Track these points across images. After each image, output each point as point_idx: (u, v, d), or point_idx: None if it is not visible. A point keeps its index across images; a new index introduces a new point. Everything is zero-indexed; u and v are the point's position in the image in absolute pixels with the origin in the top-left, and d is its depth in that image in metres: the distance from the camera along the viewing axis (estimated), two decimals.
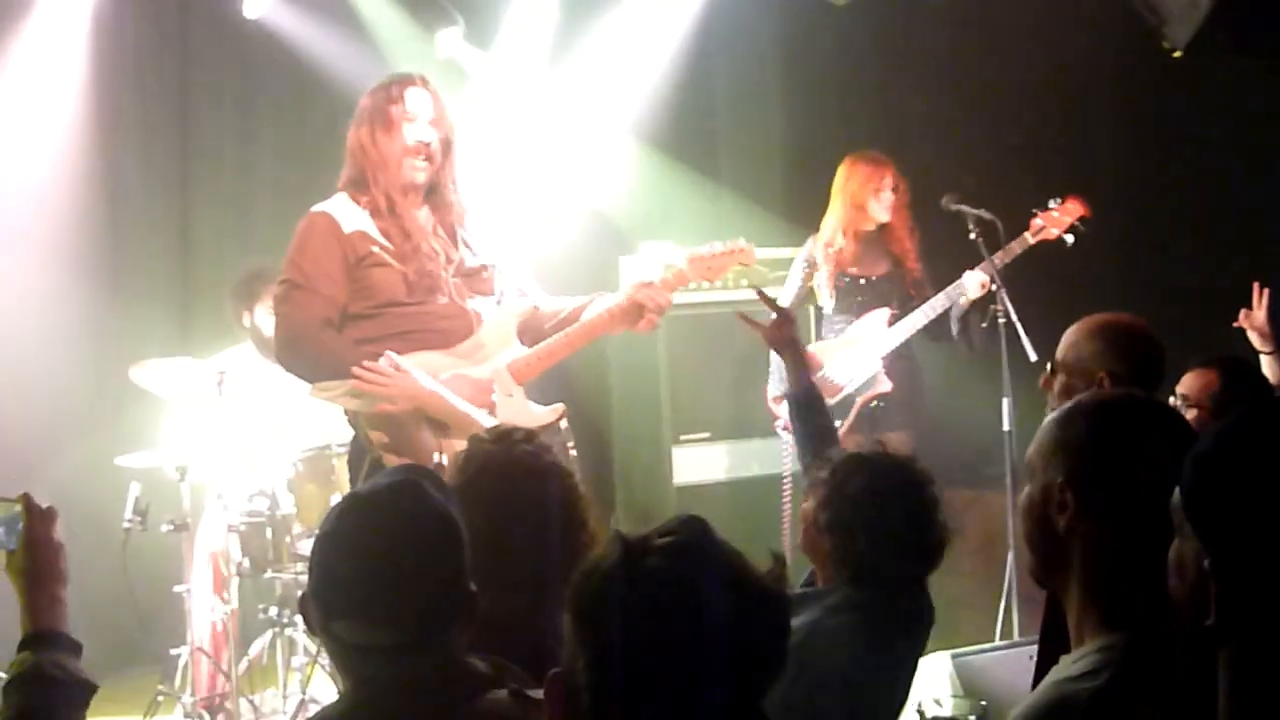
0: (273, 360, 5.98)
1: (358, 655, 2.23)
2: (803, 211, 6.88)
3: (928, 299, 5.99)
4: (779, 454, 6.34)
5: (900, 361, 6.04)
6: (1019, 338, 5.57)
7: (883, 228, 6.07)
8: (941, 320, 5.94)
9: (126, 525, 5.46)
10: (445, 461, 4.04)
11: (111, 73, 6.64)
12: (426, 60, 6.92)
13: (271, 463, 5.62)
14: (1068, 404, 2.21)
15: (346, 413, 4.26)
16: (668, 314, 6.57)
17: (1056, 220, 5.82)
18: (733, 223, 7.12)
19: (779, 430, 6.16)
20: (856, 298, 6.06)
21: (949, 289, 5.88)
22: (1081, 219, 5.80)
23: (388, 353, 4.08)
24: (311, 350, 4.13)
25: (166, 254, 6.98)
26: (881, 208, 6.02)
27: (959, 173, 6.42)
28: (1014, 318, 5.64)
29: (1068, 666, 2.08)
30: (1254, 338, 4.90)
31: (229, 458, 5.60)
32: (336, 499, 5.30)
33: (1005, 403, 5.60)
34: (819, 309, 6.19)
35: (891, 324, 6.01)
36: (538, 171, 7.21)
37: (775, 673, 1.82)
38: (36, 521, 2.42)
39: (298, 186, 7.14)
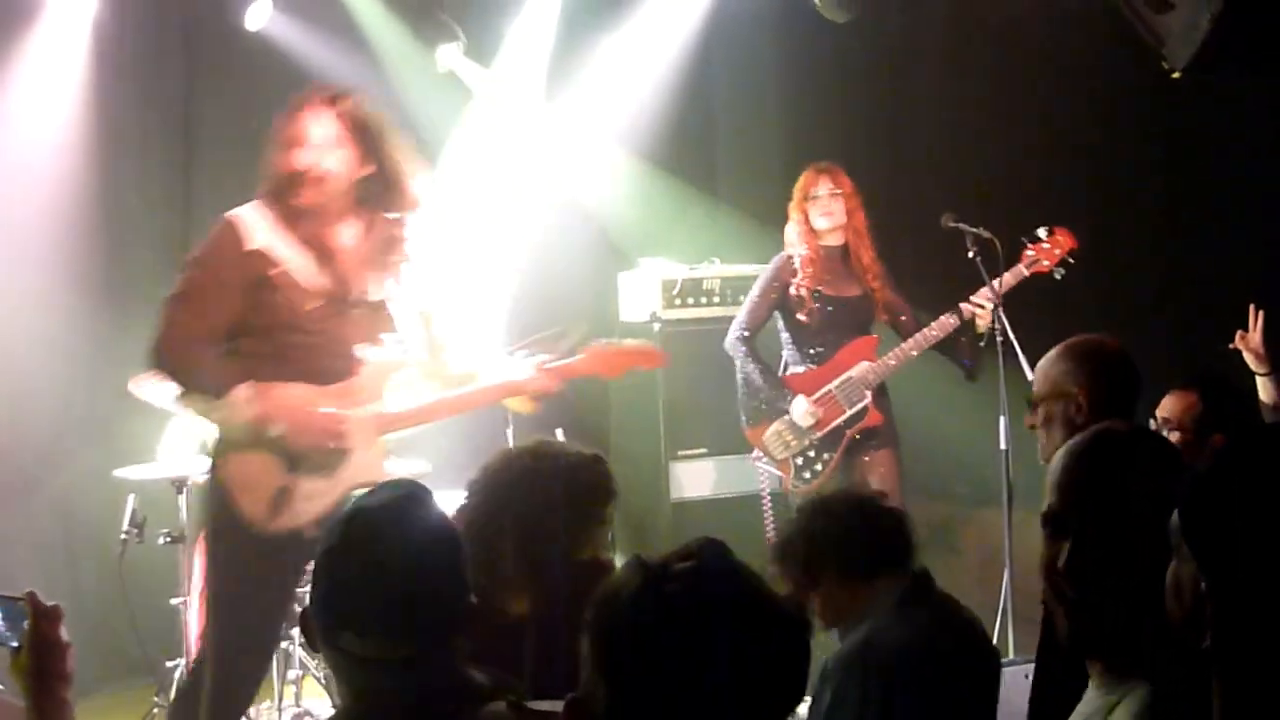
0: None
1: (360, 668, 2.26)
2: None
3: (903, 322, 6.01)
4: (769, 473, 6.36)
5: (883, 394, 6.04)
6: (1016, 356, 5.61)
7: (846, 246, 6.02)
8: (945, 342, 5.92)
9: (123, 537, 5.49)
10: (285, 506, 4.06)
11: (113, 85, 6.68)
12: (428, 74, 6.99)
13: None
14: (1065, 447, 2.22)
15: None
16: (666, 330, 6.76)
17: (1047, 253, 5.80)
18: (730, 239, 7.21)
19: (758, 465, 6.13)
20: (829, 319, 5.98)
21: (945, 319, 5.84)
22: (1071, 252, 5.80)
23: (243, 385, 4.04)
24: (181, 364, 4.08)
25: (167, 266, 6.98)
26: (819, 215, 5.96)
27: (959, 190, 6.46)
28: (1011, 336, 5.68)
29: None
30: (1250, 359, 4.95)
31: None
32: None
33: (1002, 421, 5.63)
34: (792, 326, 6.08)
35: (878, 355, 5.97)
36: (537, 187, 7.26)
37: (796, 699, 1.83)
38: (42, 621, 2.34)
39: None
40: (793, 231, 6.05)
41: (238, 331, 4.11)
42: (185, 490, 5.59)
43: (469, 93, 7.20)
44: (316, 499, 4.09)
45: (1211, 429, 4.14)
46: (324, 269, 4.15)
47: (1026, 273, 5.80)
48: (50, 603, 2.35)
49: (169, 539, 5.54)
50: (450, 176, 6.84)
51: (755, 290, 6.13)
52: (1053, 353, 3.65)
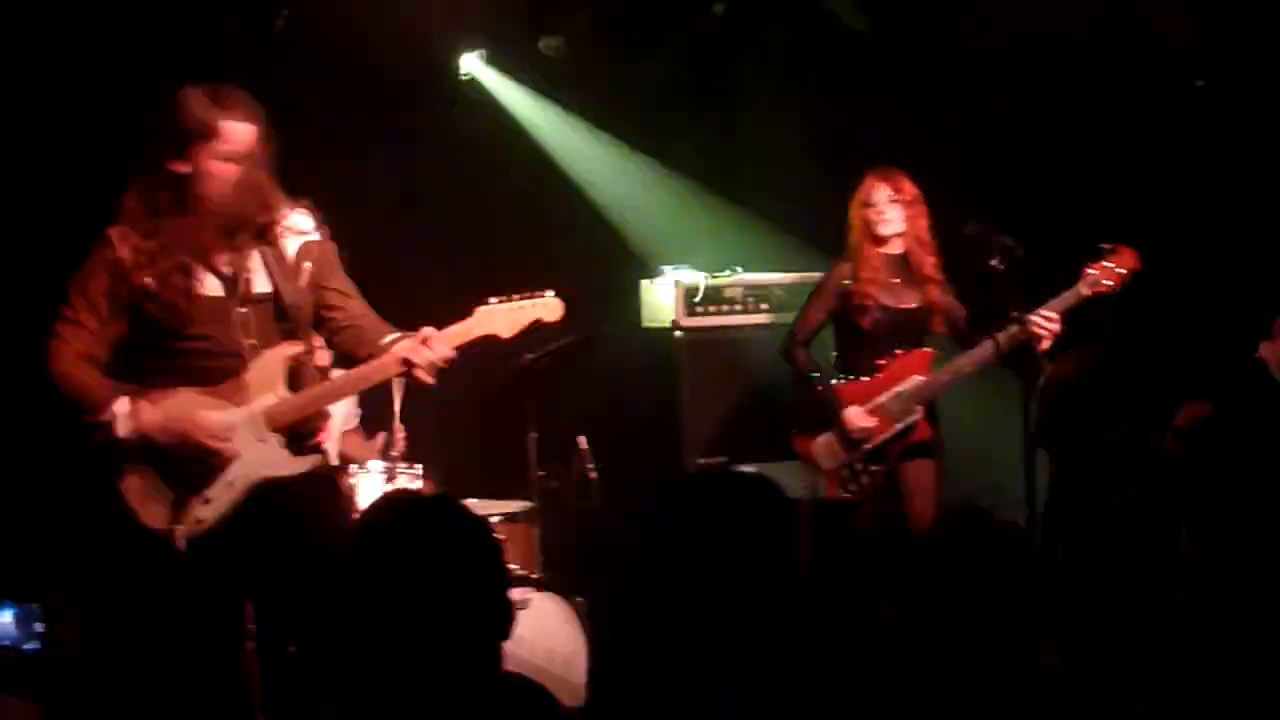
0: None
1: (395, 664, 2.28)
2: (827, 236, 6.93)
3: (964, 335, 5.88)
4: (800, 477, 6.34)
5: (935, 409, 5.95)
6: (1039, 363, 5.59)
7: (906, 254, 5.92)
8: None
9: None
10: (183, 513, 4.07)
11: None
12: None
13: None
14: None
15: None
16: (687, 336, 6.77)
17: (1110, 272, 5.59)
18: (753, 246, 7.23)
19: (802, 466, 6.00)
20: (885, 330, 5.88)
21: (1004, 335, 5.59)
22: (1133, 272, 5.60)
23: (122, 399, 4.06)
24: (71, 385, 4.11)
25: None
26: (876, 221, 5.89)
27: (989, 197, 6.44)
28: (1030, 320, 5.58)
29: None
30: (1275, 370, 4.96)
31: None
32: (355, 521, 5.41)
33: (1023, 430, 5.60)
34: (846, 335, 6.00)
35: (932, 370, 5.88)
36: (558, 193, 7.29)
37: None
38: (62, 626, 2.34)
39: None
40: (855, 238, 5.94)
41: (126, 345, 4.16)
42: None
43: (491, 98, 7.26)
44: (213, 505, 4.11)
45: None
46: (193, 269, 4.13)
47: (1087, 293, 5.59)
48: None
49: None
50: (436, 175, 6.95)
51: (811, 296, 6.06)
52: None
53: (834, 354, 6.04)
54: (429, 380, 4.18)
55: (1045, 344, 5.51)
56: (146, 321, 4.10)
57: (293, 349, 4.21)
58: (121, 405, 4.05)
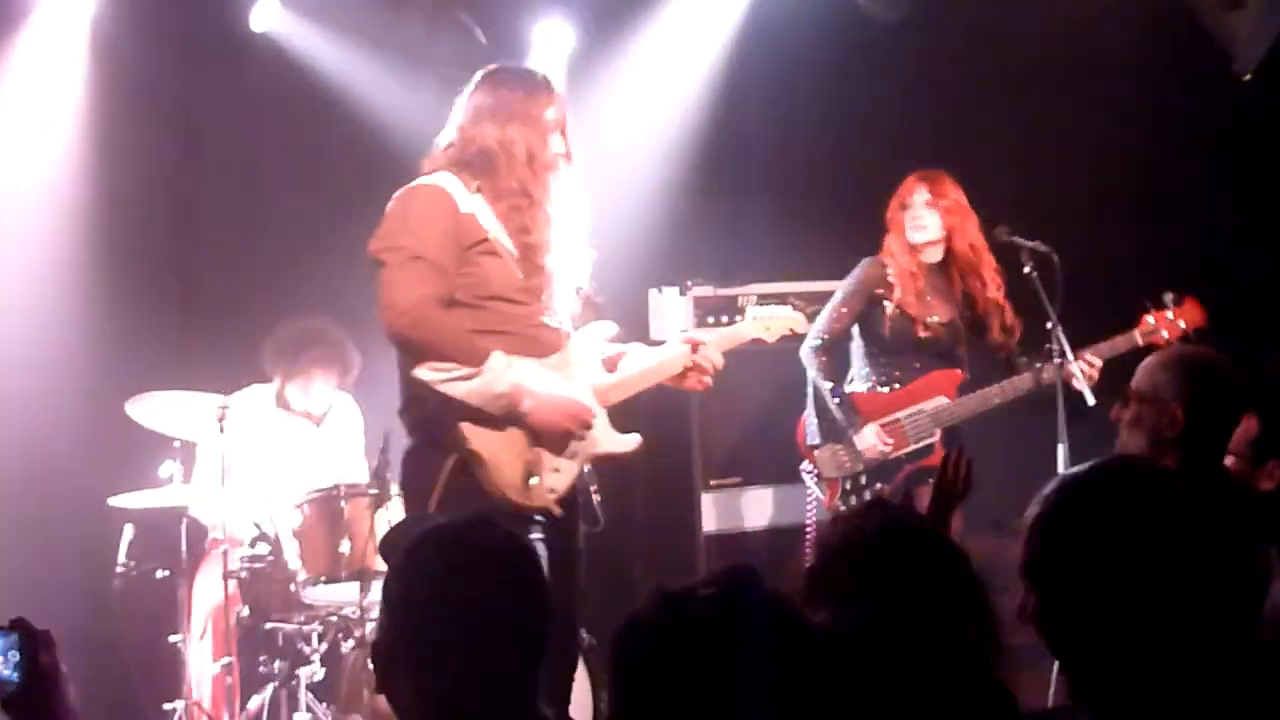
0: (284, 411, 6.03)
1: (443, 694, 2.24)
2: (844, 244, 6.83)
3: (1007, 356, 5.78)
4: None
5: (951, 434, 5.77)
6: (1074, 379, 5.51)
7: (946, 262, 5.80)
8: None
9: (120, 570, 5.46)
10: (537, 482, 4.08)
11: (111, 90, 6.66)
12: (445, 78, 6.93)
13: (275, 505, 5.60)
14: (1045, 492, 2.22)
15: (412, 404, 4.16)
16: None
17: (1170, 324, 5.53)
18: (769, 255, 7.13)
19: (805, 476, 5.97)
20: (913, 341, 5.78)
21: (1041, 373, 5.57)
22: (1197, 330, 5.50)
23: (496, 352, 4.03)
24: (432, 327, 4.01)
25: (168, 281, 6.98)
26: (911, 226, 5.74)
27: (1016, 202, 6.36)
28: (1070, 357, 5.58)
29: None
30: None
31: (230, 499, 5.57)
32: (346, 545, 5.36)
33: (1060, 449, 5.52)
34: (871, 341, 5.89)
35: (959, 393, 5.77)
36: (566, 201, 7.20)
37: None
38: (41, 651, 2.21)
39: (308, 209, 7.20)
40: (892, 242, 5.82)
41: (450, 303, 4.13)
42: (185, 520, 5.57)
43: None
44: (561, 474, 4.16)
45: (1270, 453, 4.09)
46: (538, 241, 4.21)
47: (1140, 342, 5.51)
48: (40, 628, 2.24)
49: (168, 572, 5.51)
50: None
51: (838, 296, 5.89)
52: (1165, 355, 3.69)
53: (859, 359, 5.95)
54: (701, 386, 4.46)
55: (1081, 386, 5.44)
56: (476, 280, 4.12)
57: (606, 330, 4.38)
58: (500, 358, 4.03)
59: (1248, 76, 6.37)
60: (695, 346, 4.41)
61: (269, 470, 5.93)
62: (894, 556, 2.37)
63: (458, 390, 3.99)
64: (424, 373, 4.00)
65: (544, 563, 3.91)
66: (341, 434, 6.16)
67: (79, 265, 6.56)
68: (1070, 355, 5.54)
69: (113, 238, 6.70)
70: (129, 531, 5.52)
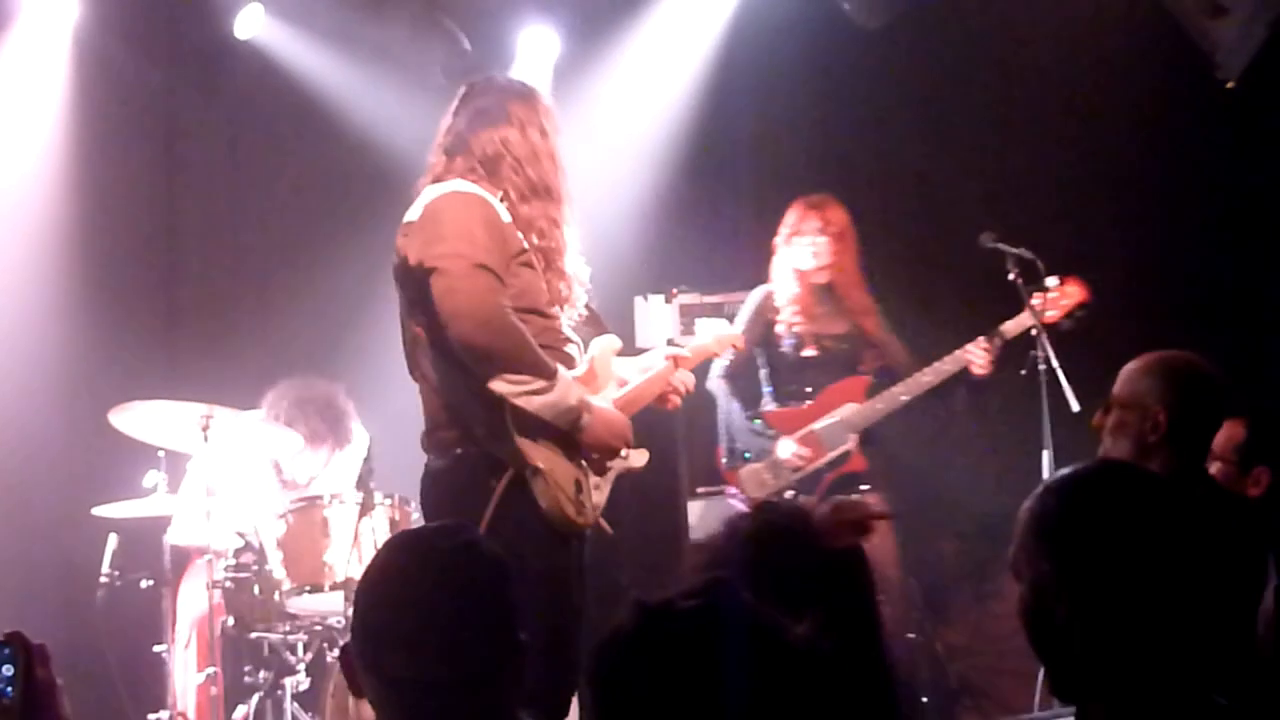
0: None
1: (403, 693, 2.30)
2: None
3: (897, 365, 5.96)
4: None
5: (870, 439, 5.95)
6: (1060, 386, 5.54)
7: (832, 285, 6.00)
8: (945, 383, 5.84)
9: (104, 580, 5.45)
10: (586, 499, 4.03)
11: (94, 97, 6.65)
12: (429, 85, 6.95)
13: (260, 515, 5.60)
14: (1037, 489, 2.20)
15: (456, 421, 4.00)
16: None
17: (1054, 303, 5.72)
18: (754, 262, 7.13)
19: (730, 500, 6.07)
20: (814, 358, 5.99)
21: (940, 365, 5.80)
22: (1081, 305, 5.70)
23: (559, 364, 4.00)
24: (515, 337, 3.87)
25: (152, 288, 6.99)
26: (805, 253, 5.94)
27: (1000, 208, 6.40)
28: (1055, 364, 5.61)
29: None
30: None
31: (214, 509, 5.58)
32: (330, 554, 5.37)
33: (1045, 456, 5.57)
34: (774, 363, 6.07)
35: (868, 397, 5.93)
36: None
37: None
38: (37, 664, 2.17)
39: (292, 216, 7.20)
40: (778, 267, 6.05)
41: None
42: (169, 530, 5.57)
43: None
44: (601, 492, 4.14)
45: (1255, 461, 4.13)
46: (561, 248, 4.18)
47: (1030, 322, 5.70)
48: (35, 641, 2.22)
49: (152, 582, 5.50)
50: None
51: (736, 327, 6.01)
52: (1142, 362, 3.70)
53: (765, 382, 6.09)
54: (674, 407, 4.48)
55: (980, 371, 5.72)
56: (524, 289, 4.03)
57: (614, 344, 4.28)
58: (564, 370, 3.98)
59: (1231, 84, 6.40)
60: (677, 364, 4.39)
61: (254, 479, 5.92)
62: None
63: (533, 404, 3.87)
64: (501, 385, 3.84)
65: (558, 580, 3.98)
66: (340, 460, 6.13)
67: (62, 273, 6.55)
68: (1056, 364, 5.60)
69: (96, 246, 6.69)
70: (113, 541, 5.50)
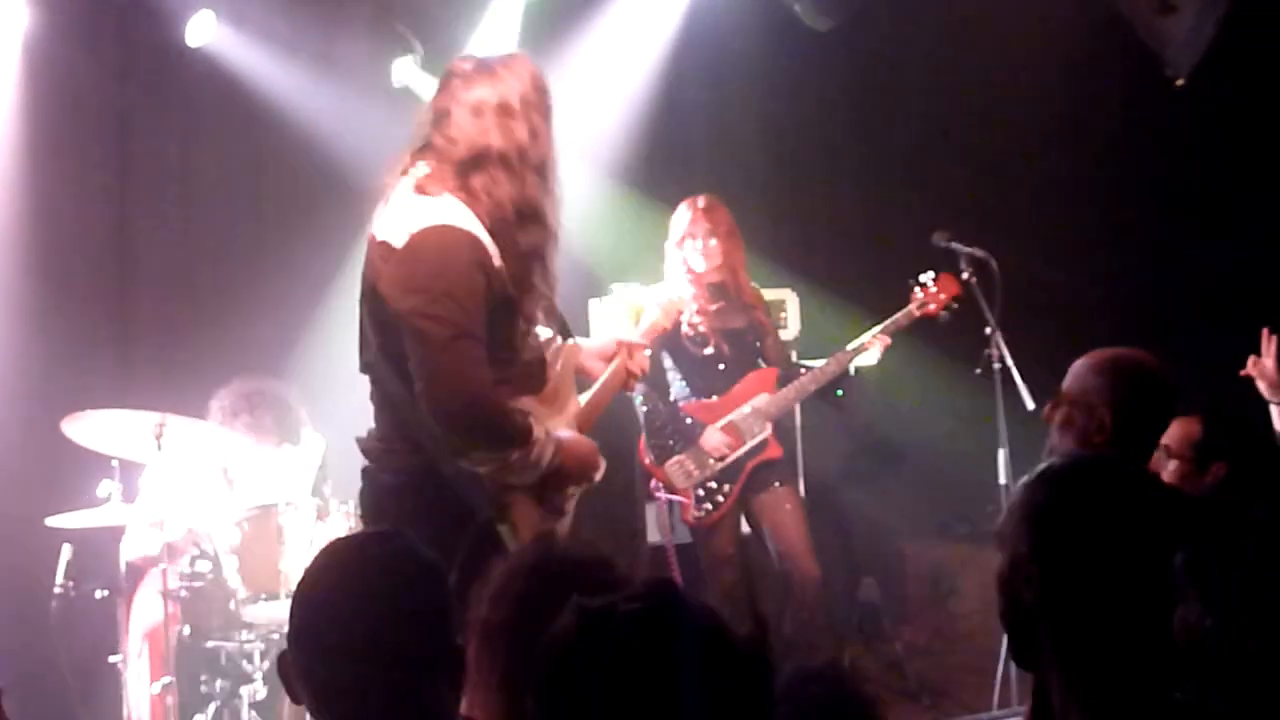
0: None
1: (340, 700, 2.31)
2: (783, 250, 6.91)
3: (785, 357, 6.26)
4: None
5: (780, 425, 6.22)
6: (1014, 385, 5.60)
7: (723, 283, 6.14)
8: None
9: (58, 591, 5.43)
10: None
11: (44, 104, 6.62)
12: (382, 90, 6.96)
13: (215, 522, 5.61)
14: (1038, 467, 2.23)
15: (417, 447, 3.75)
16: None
17: (933, 296, 6.05)
18: None
19: (657, 495, 6.11)
20: (719, 353, 6.11)
21: (841, 355, 6.04)
22: (955, 298, 5.99)
23: (531, 418, 3.74)
24: (497, 415, 3.65)
25: (104, 295, 6.95)
26: (698, 256, 6.09)
27: (950, 208, 6.46)
28: (1010, 363, 5.68)
29: None
30: (1262, 387, 4.93)
31: (168, 517, 5.58)
32: (286, 561, 5.37)
33: (1001, 454, 5.65)
34: (682, 360, 6.17)
35: (778, 387, 6.13)
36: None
37: None
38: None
39: (245, 223, 7.19)
40: (672, 271, 6.18)
41: None
42: (123, 539, 5.56)
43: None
44: (565, 521, 3.96)
45: (1212, 458, 4.17)
46: (534, 270, 3.85)
47: (916, 314, 6.06)
48: None
49: (107, 592, 5.49)
50: None
51: (639, 332, 6.10)
52: (1091, 360, 3.73)
53: (676, 380, 6.20)
54: (631, 389, 4.43)
55: (873, 359, 6.06)
56: (501, 330, 3.73)
57: (574, 350, 4.09)
58: (539, 429, 3.72)
59: (1181, 81, 6.47)
60: (631, 351, 4.25)
61: (208, 487, 5.91)
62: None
63: (504, 474, 3.70)
64: (476, 466, 3.68)
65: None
66: (291, 456, 6.13)
67: (13, 280, 6.51)
68: (1010, 362, 5.67)
69: (48, 253, 6.65)
70: (67, 552, 5.48)
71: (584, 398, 4.16)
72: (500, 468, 3.68)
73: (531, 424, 3.71)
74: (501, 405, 3.68)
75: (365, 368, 3.91)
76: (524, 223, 3.73)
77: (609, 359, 4.26)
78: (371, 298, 3.77)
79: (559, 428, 3.89)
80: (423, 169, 3.75)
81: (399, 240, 3.66)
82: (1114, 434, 3.61)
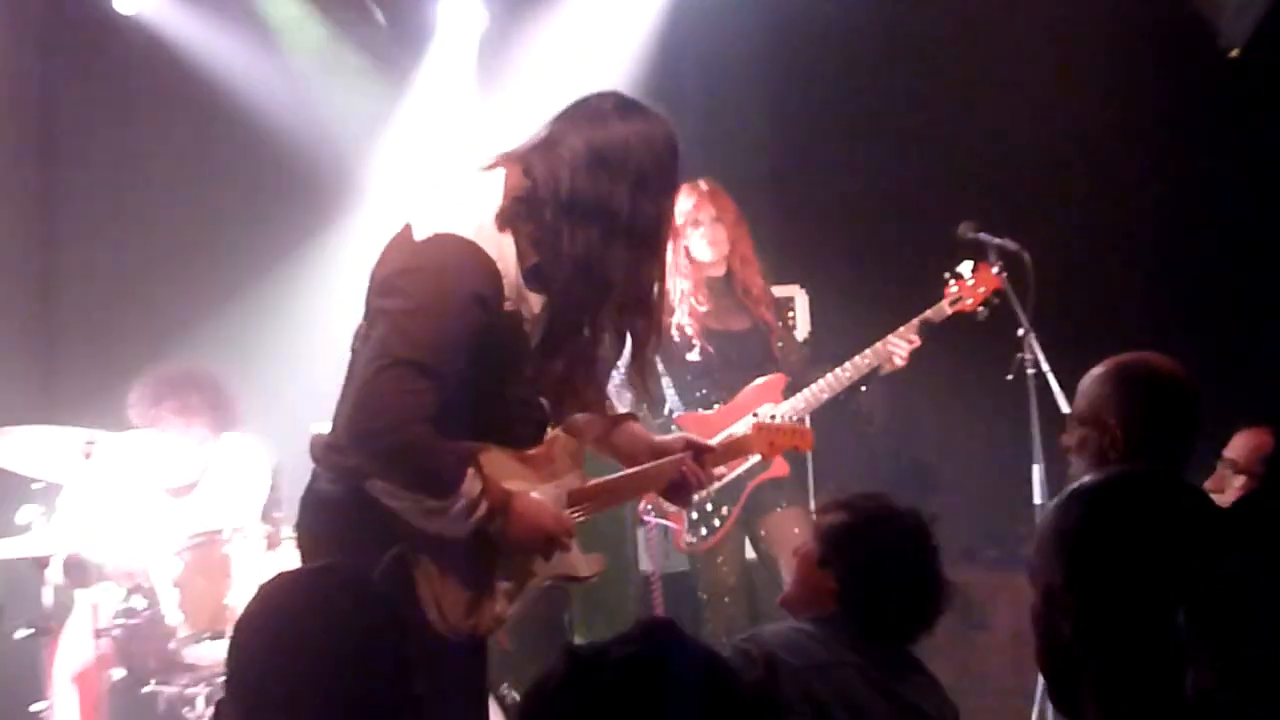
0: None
1: None
2: (789, 244, 6.86)
3: (794, 362, 6.07)
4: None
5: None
6: (1051, 391, 5.54)
7: (730, 275, 6.08)
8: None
9: None
10: (485, 606, 3.68)
11: None
12: (339, 66, 6.92)
13: (152, 552, 5.54)
14: (1067, 488, 2.21)
15: (347, 456, 3.61)
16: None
17: (970, 290, 5.88)
18: None
19: (645, 517, 6.06)
20: (719, 357, 6.03)
21: (859, 360, 5.88)
22: (996, 292, 5.84)
23: (470, 472, 3.58)
24: (417, 456, 3.53)
25: (26, 299, 6.92)
26: (702, 244, 5.99)
27: (977, 197, 6.41)
28: (1045, 367, 5.63)
29: None
30: None
31: (100, 546, 5.53)
32: (233, 595, 5.31)
33: (1036, 470, 5.59)
34: (676, 367, 6.07)
35: (785, 395, 6.00)
36: None
37: None
38: None
39: (188, 215, 7.14)
40: (670, 262, 5.98)
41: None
42: (49, 571, 5.49)
43: (389, 86, 7.18)
44: (514, 603, 3.76)
45: None
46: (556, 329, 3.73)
47: (949, 311, 5.90)
48: None
49: (31, 631, 5.42)
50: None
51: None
52: (1098, 370, 3.71)
53: (668, 386, 6.10)
54: (684, 505, 4.46)
55: (899, 364, 5.88)
56: (491, 367, 3.61)
57: (595, 423, 3.96)
58: (472, 482, 3.55)
59: (1235, 52, 6.42)
60: (701, 452, 4.01)
61: (142, 511, 5.85)
62: None
63: (421, 522, 3.57)
64: (387, 499, 3.55)
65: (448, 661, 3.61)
66: (232, 474, 6.08)
67: None
68: (1046, 367, 5.62)
69: None
70: None
71: (600, 482, 3.96)
72: (412, 509, 3.54)
73: (466, 477, 3.54)
74: (428, 446, 3.52)
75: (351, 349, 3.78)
76: (589, 296, 3.63)
77: (663, 454, 4.02)
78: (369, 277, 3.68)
79: (549, 498, 3.76)
80: (506, 173, 3.63)
81: (421, 229, 3.57)
82: (1127, 448, 3.59)
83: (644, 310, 3.75)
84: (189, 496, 5.97)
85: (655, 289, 3.76)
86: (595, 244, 3.58)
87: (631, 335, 3.81)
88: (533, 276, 3.57)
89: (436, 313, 3.49)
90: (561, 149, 3.61)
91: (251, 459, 6.07)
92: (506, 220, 3.56)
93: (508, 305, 3.55)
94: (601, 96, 3.76)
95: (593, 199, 3.57)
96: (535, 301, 3.60)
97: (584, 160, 3.59)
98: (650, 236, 3.67)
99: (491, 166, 3.67)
